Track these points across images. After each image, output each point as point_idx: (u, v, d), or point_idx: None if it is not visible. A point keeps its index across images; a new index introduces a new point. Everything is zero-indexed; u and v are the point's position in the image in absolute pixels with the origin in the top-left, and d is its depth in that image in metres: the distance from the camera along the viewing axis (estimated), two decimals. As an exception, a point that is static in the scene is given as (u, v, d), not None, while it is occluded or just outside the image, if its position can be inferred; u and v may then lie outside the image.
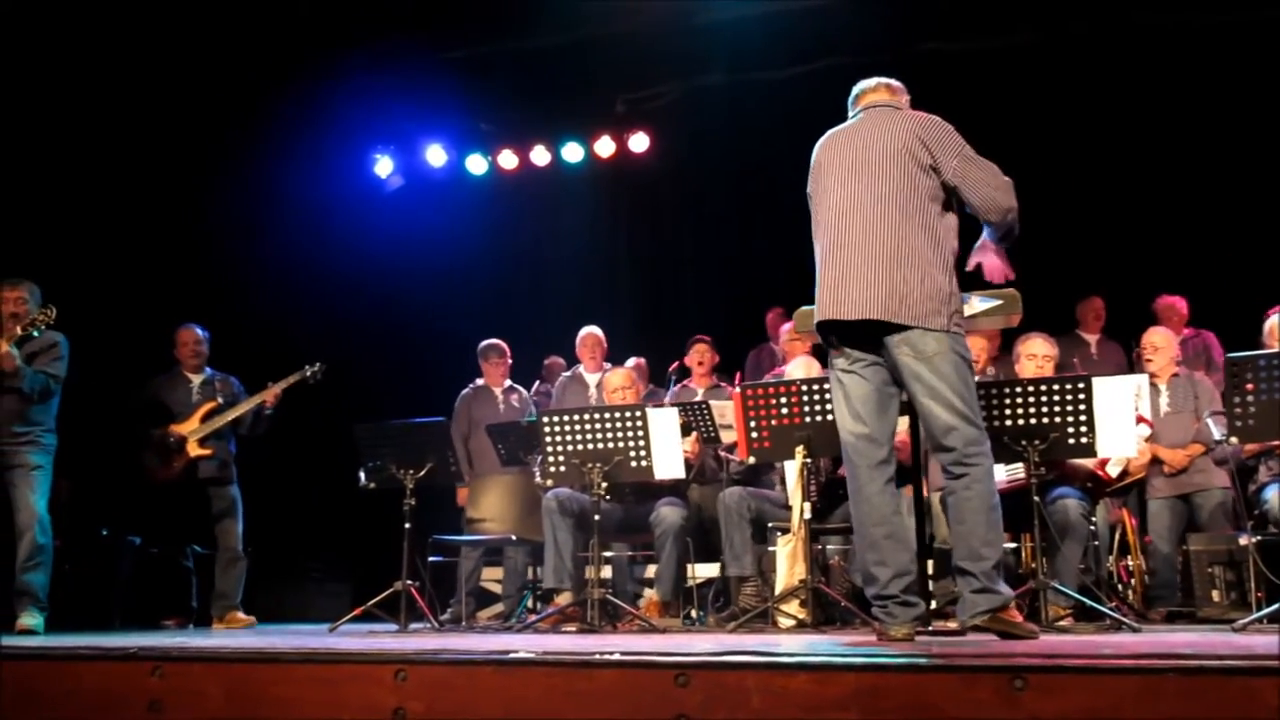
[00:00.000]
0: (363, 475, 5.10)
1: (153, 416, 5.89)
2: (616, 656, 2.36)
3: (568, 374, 6.80)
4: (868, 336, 3.27)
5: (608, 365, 6.49)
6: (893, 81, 3.56)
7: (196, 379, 6.05)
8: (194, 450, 5.77)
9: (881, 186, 3.26)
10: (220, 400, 5.95)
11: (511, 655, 2.43)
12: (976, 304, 3.66)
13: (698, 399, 5.85)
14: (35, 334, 5.07)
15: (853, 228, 3.27)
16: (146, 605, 6.01)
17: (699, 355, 6.40)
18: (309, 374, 5.96)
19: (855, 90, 3.59)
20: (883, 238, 3.21)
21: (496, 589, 6.37)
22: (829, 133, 3.51)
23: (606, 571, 5.33)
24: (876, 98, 3.51)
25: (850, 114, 3.56)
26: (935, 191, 3.29)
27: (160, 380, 6.05)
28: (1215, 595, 5.01)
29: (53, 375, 5.19)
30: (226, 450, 5.93)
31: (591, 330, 6.72)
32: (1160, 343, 5.56)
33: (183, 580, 5.96)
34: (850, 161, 3.34)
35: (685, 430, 5.01)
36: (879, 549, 3.23)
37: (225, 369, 6.18)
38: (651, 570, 5.87)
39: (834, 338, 3.34)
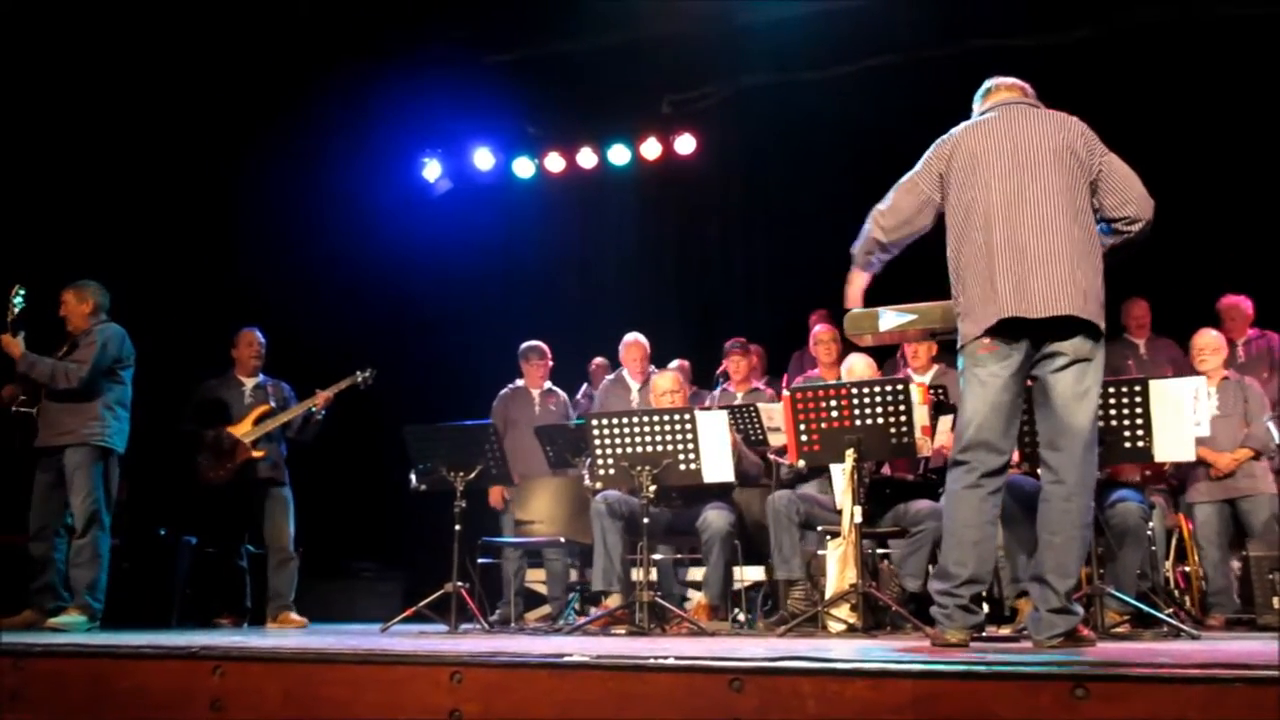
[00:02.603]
0: (413, 478, 5.12)
1: (207, 418, 5.99)
2: (671, 661, 2.36)
3: (610, 377, 6.78)
4: (1031, 336, 3.21)
5: (653, 368, 6.48)
6: (1018, 81, 3.54)
7: (250, 383, 6.14)
8: (246, 452, 5.87)
9: (1050, 182, 3.23)
10: (273, 404, 6.04)
11: (566, 658, 2.44)
12: None
13: (736, 402, 5.82)
14: (17, 301, 5.17)
15: (1026, 222, 3.21)
16: (202, 604, 6.10)
17: (732, 365, 6.37)
18: (359, 379, 6.02)
19: (985, 86, 3.55)
20: (1060, 234, 3.18)
21: (539, 589, 6.40)
22: (966, 125, 3.46)
23: (653, 574, 5.32)
24: (1011, 95, 3.48)
25: (979, 109, 3.52)
26: (1089, 192, 3.28)
27: (214, 383, 6.15)
28: (1276, 602, 4.92)
29: (76, 361, 5.19)
30: (278, 452, 6.03)
31: (637, 339, 6.62)
32: (1215, 345, 5.52)
33: (237, 579, 6.04)
34: (1011, 153, 3.30)
35: None
36: (964, 549, 3.23)
37: (272, 370, 6.26)
38: (695, 573, 5.85)
39: (988, 336, 3.24)
